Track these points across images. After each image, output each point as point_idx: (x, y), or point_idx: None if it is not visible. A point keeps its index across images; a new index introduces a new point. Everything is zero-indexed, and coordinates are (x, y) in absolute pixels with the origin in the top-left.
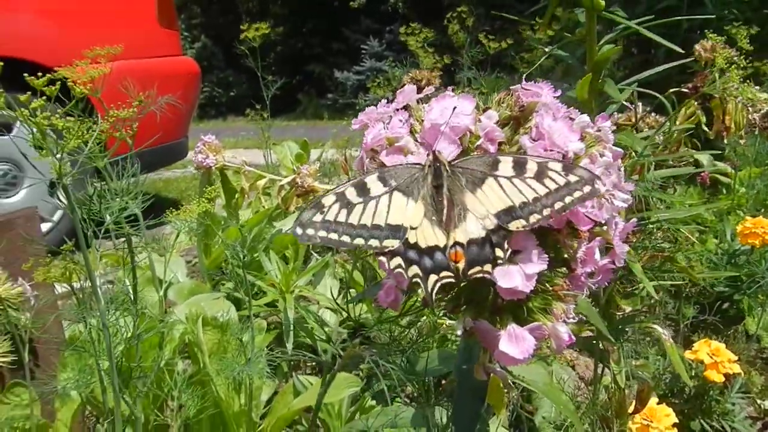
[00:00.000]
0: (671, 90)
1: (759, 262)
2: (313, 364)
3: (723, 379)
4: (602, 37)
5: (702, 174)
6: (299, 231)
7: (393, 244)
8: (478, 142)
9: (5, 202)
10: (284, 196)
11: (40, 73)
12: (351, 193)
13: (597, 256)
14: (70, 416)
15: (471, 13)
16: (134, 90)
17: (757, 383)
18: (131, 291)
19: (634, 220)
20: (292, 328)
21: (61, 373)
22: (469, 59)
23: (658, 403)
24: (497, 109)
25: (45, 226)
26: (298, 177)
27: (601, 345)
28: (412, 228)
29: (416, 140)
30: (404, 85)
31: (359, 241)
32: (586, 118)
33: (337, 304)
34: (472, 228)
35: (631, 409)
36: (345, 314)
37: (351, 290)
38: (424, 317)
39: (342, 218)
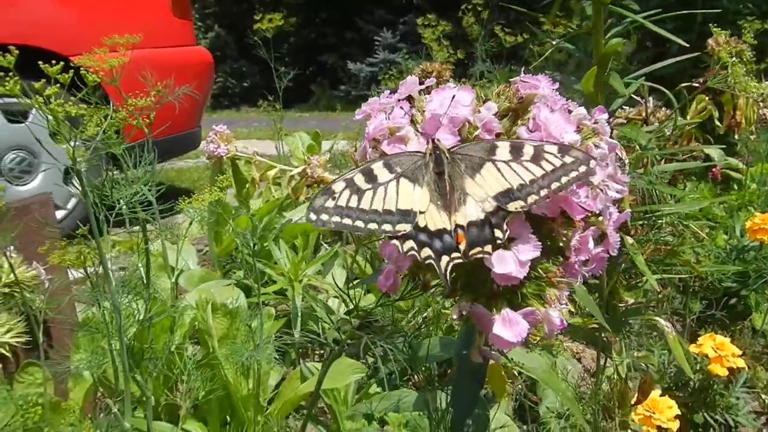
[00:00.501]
0: (683, 85)
1: (767, 258)
2: (321, 352)
3: (726, 372)
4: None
5: (713, 170)
6: (313, 216)
7: (405, 228)
8: (476, 133)
9: (21, 189)
10: (294, 186)
11: (53, 61)
12: (360, 180)
13: (591, 244)
14: (82, 395)
15: (486, 5)
16: (152, 79)
17: (763, 378)
18: (144, 274)
19: (628, 211)
20: (299, 315)
21: (74, 353)
22: (483, 52)
23: (661, 395)
24: (497, 101)
25: (60, 214)
26: (308, 167)
27: (603, 336)
28: (420, 212)
29: (417, 130)
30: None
31: (372, 225)
32: (583, 110)
33: (344, 292)
34: (471, 211)
35: (633, 401)
36: (351, 304)
37: (357, 280)
38: (430, 308)
39: (353, 204)
